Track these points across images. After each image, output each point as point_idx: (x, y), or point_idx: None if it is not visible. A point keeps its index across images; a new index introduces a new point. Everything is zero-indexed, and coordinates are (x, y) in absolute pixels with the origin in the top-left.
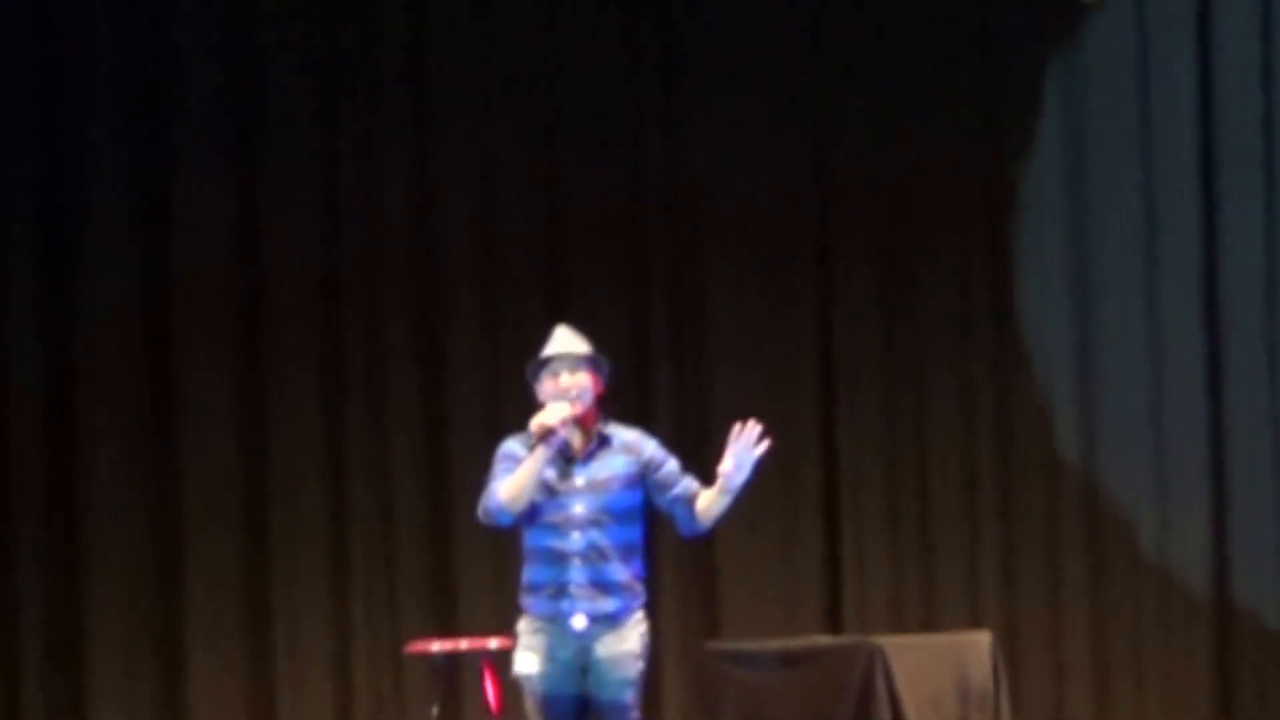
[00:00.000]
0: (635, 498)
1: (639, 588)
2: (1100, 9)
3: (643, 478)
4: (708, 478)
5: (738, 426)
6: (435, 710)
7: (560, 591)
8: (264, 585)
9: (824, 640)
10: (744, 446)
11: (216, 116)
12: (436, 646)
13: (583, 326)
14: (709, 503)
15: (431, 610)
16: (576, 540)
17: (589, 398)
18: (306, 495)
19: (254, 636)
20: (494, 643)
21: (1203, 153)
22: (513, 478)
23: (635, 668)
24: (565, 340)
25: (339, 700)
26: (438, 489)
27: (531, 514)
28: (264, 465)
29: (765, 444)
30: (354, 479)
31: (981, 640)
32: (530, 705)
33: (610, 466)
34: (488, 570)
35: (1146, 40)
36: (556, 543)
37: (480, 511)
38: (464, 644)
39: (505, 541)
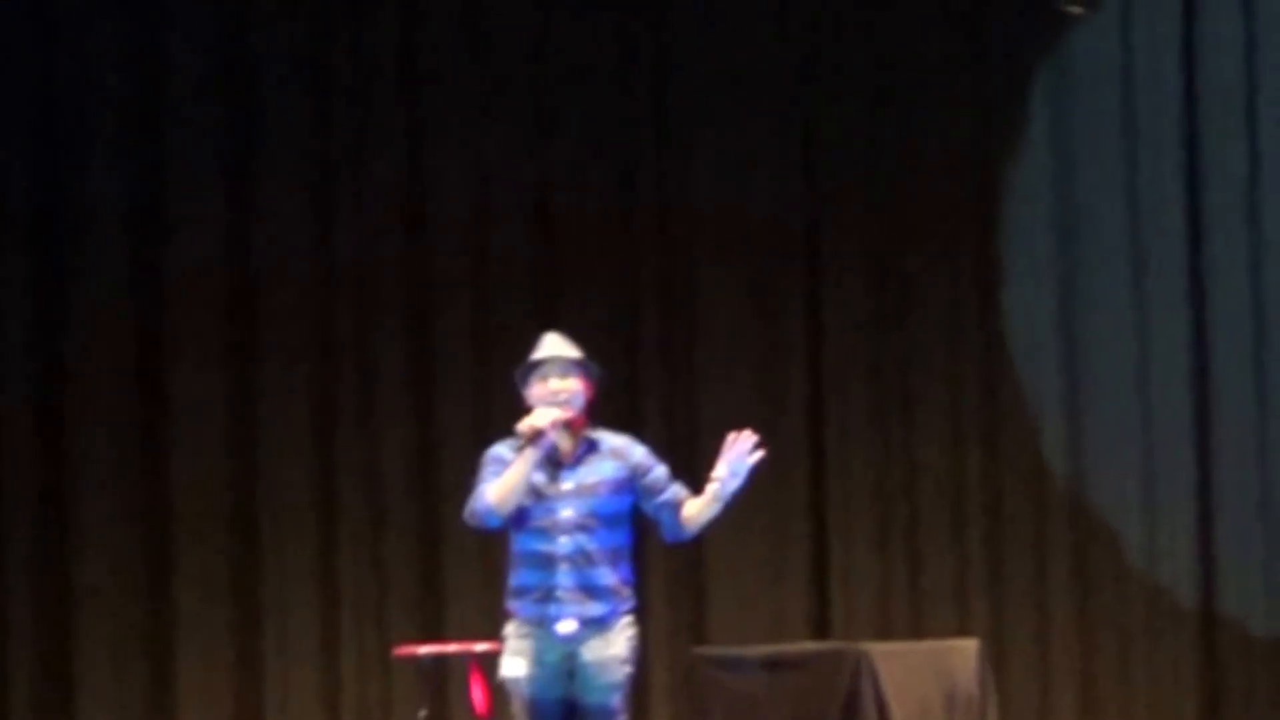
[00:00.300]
0: (623, 503)
1: (627, 592)
2: (1087, 19)
3: (631, 483)
4: (696, 484)
5: (732, 434)
6: (423, 713)
7: (547, 595)
8: (253, 587)
9: (811, 646)
10: (738, 454)
11: (209, 120)
12: (424, 649)
13: (573, 331)
14: (698, 510)
15: (420, 613)
16: (564, 544)
17: (579, 402)
18: (296, 498)
19: (243, 638)
20: (481, 646)
21: (1189, 160)
22: (501, 480)
23: (622, 672)
24: (555, 345)
25: (327, 702)
26: (427, 492)
27: (519, 518)
28: (254, 467)
29: (759, 452)
30: (344, 481)
31: (968, 647)
32: (517, 709)
33: (599, 471)
34: (476, 573)
35: (1132, 49)
36: (544, 547)
37: (467, 513)
38: (451, 647)
39: (494, 545)
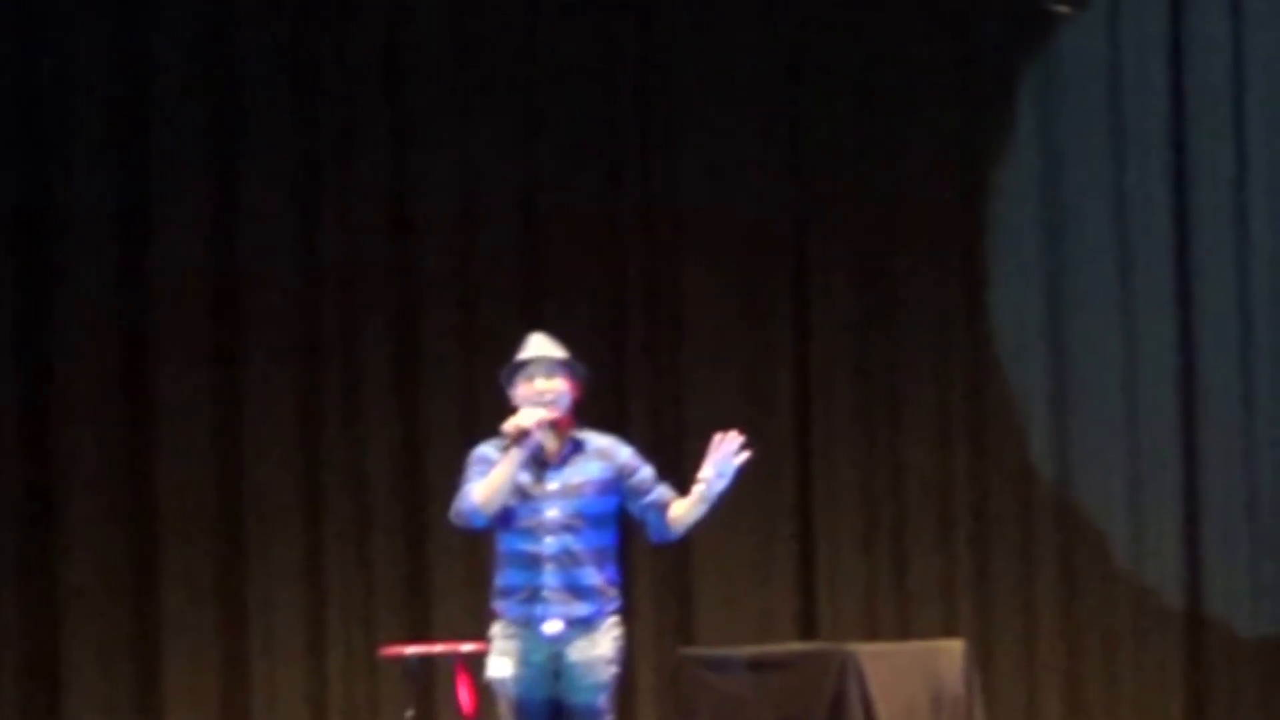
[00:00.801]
0: (609, 503)
1: (613, 592)
2: (1074, 18)
3: (617, 483)
4: (683, 484)
5: (718, 435)
6: (409, 713)
7: (533, 596)
8: (239, 588)
9: (798, 647)
10: (724, 455)
11: (194, 119)
12: (410, 650)
13: (559, 331)
14: (684, 510)
15: (406, 613)
16: (550, 545)
17: (565, 402)
18: (282, 498)
19: (229, 638)
20: (467, 646)
21: (1176, 160)
22: (487, 480)
23: (608, 672)
24: (541, 345)
25: (313, 702)
26: (413, 492)
27: (505, 518)
28: (239, 468)
29: (746, 453)
30: (330, 481)
31: (955, 648)
32: (503, 709)
33: (584, 471)
34: (463, 573)
35: (1120, 48)
36: (530, 547)
37: (453, 513)
38: (438, 647)
39: (480, 545)
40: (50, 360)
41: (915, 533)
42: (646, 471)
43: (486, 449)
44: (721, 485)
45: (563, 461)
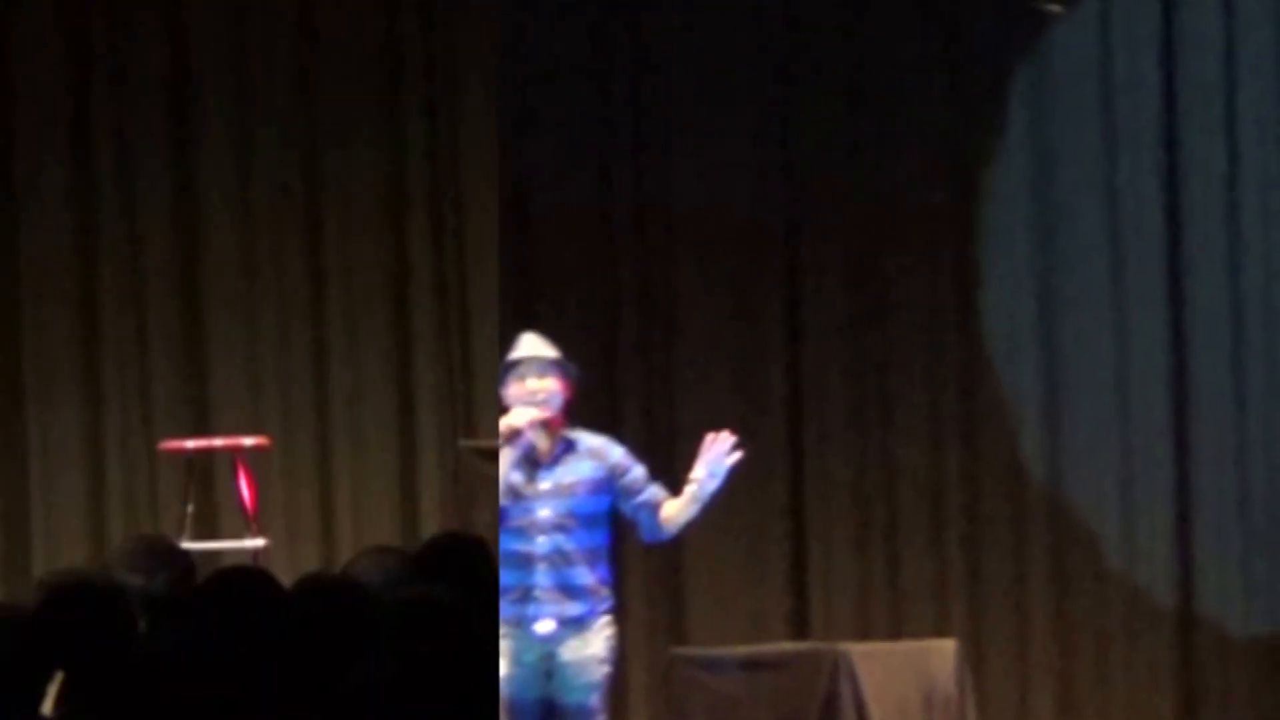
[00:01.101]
0: (602, 503)
1: (605, 592)
2: (1065, 17)
3: (609, 483)
4: (675, 484)
5: (710, 435)
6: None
7: (525, 595)
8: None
9: (790, 647)
10: (716, 455)
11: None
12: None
13: (551, 332)
14: (676, 510)
15: None
16: (542, 544)
17: (557, 402)
18: None
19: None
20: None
21: (1168, 159)
22: None
23: (601, 672)
24: (533, 345)
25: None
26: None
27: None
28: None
29: (738, 453)
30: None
31: (947, 648)
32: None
33: (576, 471)
34: None
35: (1111, 48)
36: (522, 546)
37: None
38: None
39: None
40: None
41: (907, 533)
42: (638, 471)
43: None
44: (713, 485)
45: (555, 461)
